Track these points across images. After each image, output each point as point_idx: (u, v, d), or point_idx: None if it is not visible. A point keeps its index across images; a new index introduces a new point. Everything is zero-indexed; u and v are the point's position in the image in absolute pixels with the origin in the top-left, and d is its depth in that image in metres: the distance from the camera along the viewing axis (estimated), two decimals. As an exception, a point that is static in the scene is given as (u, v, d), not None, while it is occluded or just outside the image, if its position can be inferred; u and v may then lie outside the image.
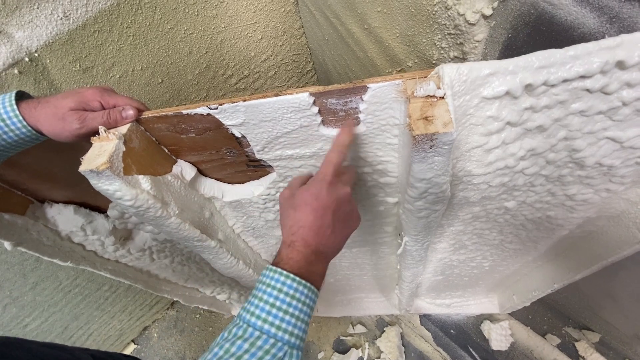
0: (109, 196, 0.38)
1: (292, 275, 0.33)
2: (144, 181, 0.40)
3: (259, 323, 0.32)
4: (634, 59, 0.28)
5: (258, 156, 0.45)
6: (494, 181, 0.39)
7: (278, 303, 0.32)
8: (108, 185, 0.37)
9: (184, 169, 0.47)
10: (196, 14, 0.76)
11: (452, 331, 1.17)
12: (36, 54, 0.59)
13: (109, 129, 0.38)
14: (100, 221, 0.63)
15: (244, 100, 0.37)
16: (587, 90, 0.30)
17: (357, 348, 1.20)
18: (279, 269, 0.34)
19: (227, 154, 0.46)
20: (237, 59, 0.90)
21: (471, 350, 1.13)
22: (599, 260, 0.59)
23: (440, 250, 0.66)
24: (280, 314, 0.32)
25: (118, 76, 0.70)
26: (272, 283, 0.33)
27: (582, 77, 0.29)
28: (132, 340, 1.36)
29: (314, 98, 0.35)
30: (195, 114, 0.39)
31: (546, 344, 1.08)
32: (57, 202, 0.60)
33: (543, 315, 1.14)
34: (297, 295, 0.33)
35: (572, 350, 1.07)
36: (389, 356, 1.15)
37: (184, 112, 0.38)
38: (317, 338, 1.24)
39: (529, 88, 0.30)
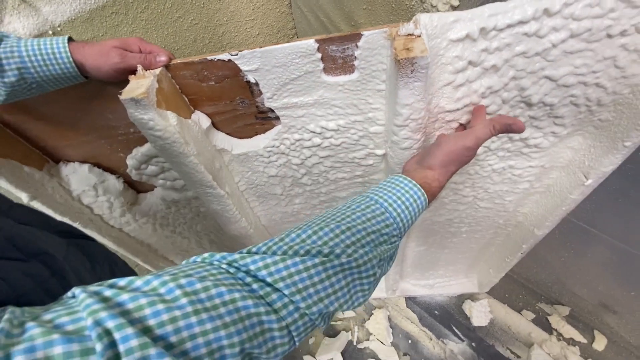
0: (142, 125, 0.44)
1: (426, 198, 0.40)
2: (172, 117, 0.46)
3: (385, 204, 0.37)
4: (555, 7, 0.38)
5: (267, 104, 0.52)
6: (462, 118, 0.48)
7: (412, 207, 0.39)
8: (143, 114, 0.43)
9: (201, 118, 0.54)
10: (202, 6, 0.85)
11: (436, 312, 1.24)
12: (59, 29, 0.66)
13: (144, 69, 0.45)
14: (112, 181, 0.68)
15: (260, 47, 0.45)
16: (526, 34, 0.40)
17: (347, 332, 1.24)
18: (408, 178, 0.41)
19: (240, 104, 0.53)
20: (237, 51, 0.99)
21: (454, 328, 1.19)
22: (557, 211, 0.68)
23: (422, 209, 0.74)
24: (403, 207, 0.38)
25: (130, 56, 0.77)
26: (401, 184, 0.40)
27: (521, 22, 0.39)
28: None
29: (318, 44, 0.44)
30: (218, 60, 0.46)
31: (522, 319, 1.17)
32: (73, 162, 0.65)
33: (518, 293, 1.23)
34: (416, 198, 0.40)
35: (545, 324, 1.15)
36: (378, 337, 1.19)
37: (209, 57, 0.46)
38: (307, 325, 1.27)
39: (483, 32, 0.40)
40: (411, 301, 1.27)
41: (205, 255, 0.28)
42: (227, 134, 0.59)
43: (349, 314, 1.28)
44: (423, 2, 0.74)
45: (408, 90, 0.41)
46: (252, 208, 0.74)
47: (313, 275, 0.28)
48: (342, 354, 1.19)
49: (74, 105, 0.55)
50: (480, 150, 0.57)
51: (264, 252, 0.29)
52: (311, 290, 0.28)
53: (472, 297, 1.23)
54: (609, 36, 0.40)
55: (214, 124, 0.57)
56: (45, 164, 0.64)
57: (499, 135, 0.54)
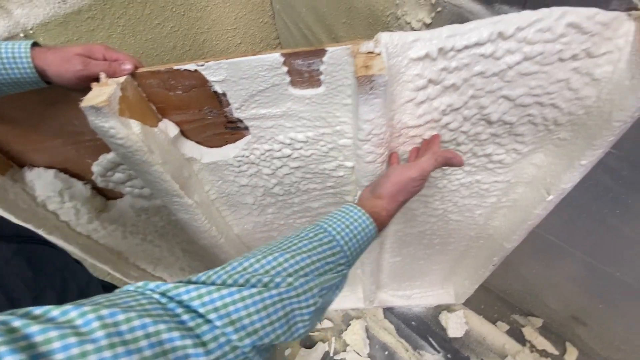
0: (103, 133, 0.44)
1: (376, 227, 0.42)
2: (135, 125, 0.46)
3: (334, 232, 0.38)
4: (509, 31, 0.40)
5: (235, 115, 0.52)
6: (425, 134, 0.50)
7: (359, 236, 0.40)
8: (104, 122, 0.43)
9: (168, 127, 0.54)
10: (182, 13, 0.85)
11: (413, 323, 1.24)
12: (31, 31, 0.65)
13: (108, 77, 0.44)
14: (79, 188, 0.66)
15: (227, 59, 0.45)
16: (483, 55, 0.42)
17: (324, 342, 1.23)
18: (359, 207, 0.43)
19: (208, 113, 0.53)
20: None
21: (430, 339, 1.19)
22: (523, 225, 0.70)
23: (394, 222, 0.75)
24: (351, 235, 0.39)
25: (105, 61, 0.77)
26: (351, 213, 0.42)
27: (477, 44, 0.41)
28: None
29: (284, 58, 0.44)
30: (184, 70, 0.46)
31: (497, 331, 1.18)
32: (38, 167, 0.63)
33: (493, 304, 1.24)
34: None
35: (519, 335, 1.17)
36: (355, 348, 1.18)
37: (175, 67, 0.46)
38: (284, 336, 1.25)
39: (442, 52, 0.42)
40: (389, 312, 1.27)
41: (140, 283, 0.27)
42: (197, 142, 0.59)
43: (327, 324, 1.27)
44: (398, 18, 0.76)
45: (368, 107, 0.42)
46: (224, 217, 0.74)
47: (249, 306, 0.27)
48: (319, 366, 1.17)
49: (40, 110, 0.54)
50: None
51: (203, 282, 0.28)
52: (246, 321, 0.27)
53: (448, 308, 1.24)
54: (561, 60, 0.42)
55: (183, 133, 0.57)
56: (9, 168, 0.62)
57: (465, 151, 0.55)
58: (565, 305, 1.08)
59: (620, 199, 0.67)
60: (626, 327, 0.93)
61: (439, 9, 0.68)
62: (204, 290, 0.27)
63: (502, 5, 0.58)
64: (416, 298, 1.23)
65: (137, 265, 0.92)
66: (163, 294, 0.26)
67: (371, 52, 0.40)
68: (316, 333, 1.26)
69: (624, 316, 0.92)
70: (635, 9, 0.39)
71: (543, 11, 0.39)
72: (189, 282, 0.28)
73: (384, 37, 0.41)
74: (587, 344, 1.08)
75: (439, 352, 1.17)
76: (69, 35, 0.70)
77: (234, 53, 1.02)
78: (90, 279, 0.51)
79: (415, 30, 0.74)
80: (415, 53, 0.42)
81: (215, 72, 0.46)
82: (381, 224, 0.43)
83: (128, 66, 0.45)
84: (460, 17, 0.66)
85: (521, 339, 1.16)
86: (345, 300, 1.25)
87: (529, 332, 1.16)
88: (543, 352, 1.12)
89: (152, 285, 0.26)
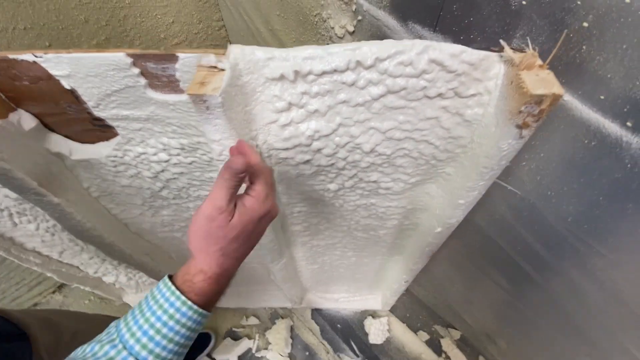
0: None
1: (189, 303, 0.33)
2: (-41, 117, 0.40)
3: (137, 348, 0.31)
4: (367, 62, 0.36)
5: (96, 113, 0.47)
6: (297, 157, 0.46)
7: (165, 330, 0.32)
8: None
9: (23, 118, 0.48)
10: (95, -17, 0.77)
11: (338, 325, 1.25)
12: None
13: None
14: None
15: (68, 52, 0.40)
16: (344, 83, 0.38)
17: (249, 339, 1.22)
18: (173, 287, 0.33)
19: (67, 108, 0.48)
20: (144, 38, 0.91)
21: (352, 343, 1.21)
22: (423, 250, 0.69)
23: (297, 233, 0.72)
24: (164, 342, 0.32)
25: (-4, 30, 0.69)
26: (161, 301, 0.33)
27: (336, 71, 0.37)
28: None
29: (131, 59, 0.39)
30: (22, 60, 0.41)
31: (416, 340, 1.20)
32: None
33: (419, 313, 1.26)
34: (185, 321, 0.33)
35: (437, 346, 1.20)
36: (275, 347, 1.18)
37: (11, 57, 0.40)
38: (210, 329, 1.24)
39: (299, 74, 0.38)
40: (317, 313, 1.27)
41: None
42: (65, 136, 0.53)
43: (253, 320, 1.26)
44: (324, 21, 0.71)
45: (211, 127, 0.38)
46: (115, 215, 0.69)
47: None
48: (238, 360, 1.17)
49: None
50: (335, 186, 0.55)
51: None
52: None
53: (375, 314, 1.25)
54: (428, 97, 0.39)
55: (47, 125, 0.51)
56: None
57: (350, 176, 0.52)
58: (480, 323, 1.11)
59: (519, 237, 0.67)
60: (532, 349, 0.96)
61: (360, 17, 0.63)
62: None
63: (415, 24, 0.55)
64: (343, 301, 1.23)
65: (38, 252, 0.87)
66: None
67: (214, 67, 0.36)
68: (241, 329, 1.25)
69: (529, 340, 0.94)
70: (504, 49, 0.36)
71: (404, 43, 0.35)
72: None
73: (234, 50, 0.36)
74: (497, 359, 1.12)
75: (358, 356, 1.18)
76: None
77: (164, 33, 0.94)
78: None
79: (339, 37, 0.69)
80: (271, 73, 0.38)
81: (57, 66, 0.41)
82: (203, 292, 0.34)
83: None
84: (379, 29, 0.61)
85: (438, 350, 1.19)
86: (273, 299, 1.24)
87: (447, 344, 1.19)
88: (456, 364, 1.16)
89: None
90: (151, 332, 0.32)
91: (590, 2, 0.37)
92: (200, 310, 0.34)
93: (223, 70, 0.36)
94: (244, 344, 1.22)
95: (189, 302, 0.33)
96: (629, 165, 0.44)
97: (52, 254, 0.89)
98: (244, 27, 1.01)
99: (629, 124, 0.41)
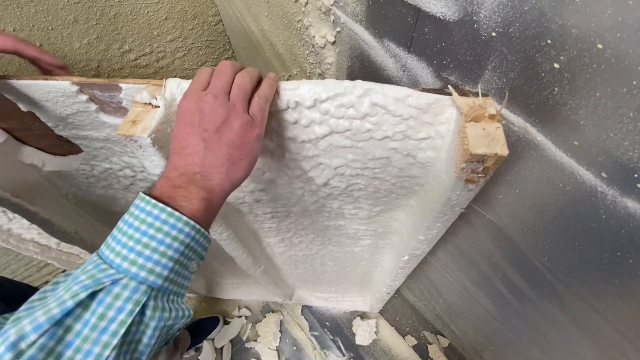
0: None
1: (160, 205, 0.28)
2: None
3: (125, 265, 0.27)
4: (306, 102, 0.34)
5: (57, 132, 0.48)
6: (250, 186, 0.45)
7: (154, 244, 0.27)
8: None
9: (-8, 133, 0.50)
10: (83, -18, 0.76)
11: (327, 323, 1.27)
12: None
13: None
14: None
15: (18, 79, 0.40)
16: (287, 121, 0.36)
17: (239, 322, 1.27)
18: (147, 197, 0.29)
19: (32, 125, 0.48)
20: (137, 36, 0.91)
21: (339, 342, 1.22)
22: (398, 269, 0.67)
23: (272, 245, 0.72)
24: (156, 256, 0.28)
25: (-13, 31, 0.70)
26: (136, 213, 0.28)
27: (279, 109, 0.35)
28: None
29: (78, 87, 0.39)
30: (-24, 83, 0.41)
31: (404, 344, 1.20)
32: None
33: (409, 318, 1.26)
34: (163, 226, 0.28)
35: (424, 352, 1.19)
36: (264, 340, 1.22)
37: (-35, 79, 0.41)
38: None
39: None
40: (307, 309, 1.30)
41: None
42: (39, 148, 0.55)
43: (245, 312, 1.31)
44: (307, 28, 0.67)
45: (150, 162, 0.37)
46: (96, 219, 0.71)
47: None
48: (232, 349, 1.22)
49: None
50: (298, 209, 0.54)
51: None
52: None
53: (364, 315, 1.26)
54: (374, 139, 0.36)
55: (18, 138, 0.53)
56: None
57: (311, 202, 0.51)
58: (467, 336, 1.09)
59: (499, 265, 0.63)
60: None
61: (338, 29, 0.59)
62: None
63: (390, 42, 0.51)
64: (332, 301, 1.24)
65: (36, 242, 0.92)
66: None
67: (149, 104, 0.35)
68: (235, 319, 1.29)
69: (516, 358, 0.92)
70: (451, 92, 0.32)
71: (345, 85, 0.33)
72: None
73: (170, 85, 0.35)
74: (483, 372, 1.10)
75: (344, 355, 1.20)
76: None
77: (157, 30, 0.93)
78: None
79: (320, 47, 0.66)
80: (210, 108, 0.36)
81: (10, 92, 0.41)
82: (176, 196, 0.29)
83: None
84: (357, 43, 0.58)
85: (425, 356, 1.18)
86: (265, 293, 1.27)
87: (434, 351, 1.18)
88: (441, 372, 1.15)
89: None
90: (138, 247, 0.28)
91: (561, 43, 0.32)
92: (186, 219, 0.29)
93: (157, 107, 0.35)
94: (237, 323, 1.26)
95: (177, 213, 0.28)
96: (604, 216, 0.40)
97: (50, 243, 0.95)
98: (238, 24, 0.98)
99: (604, 174, 0.37)
